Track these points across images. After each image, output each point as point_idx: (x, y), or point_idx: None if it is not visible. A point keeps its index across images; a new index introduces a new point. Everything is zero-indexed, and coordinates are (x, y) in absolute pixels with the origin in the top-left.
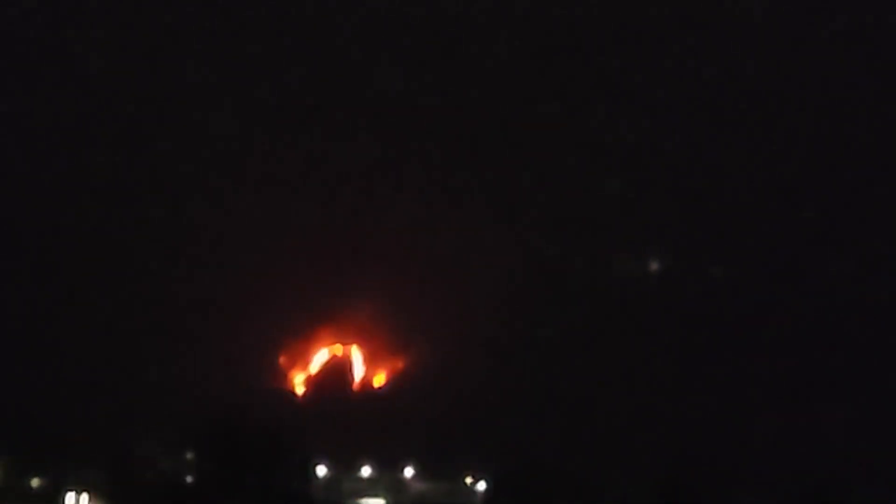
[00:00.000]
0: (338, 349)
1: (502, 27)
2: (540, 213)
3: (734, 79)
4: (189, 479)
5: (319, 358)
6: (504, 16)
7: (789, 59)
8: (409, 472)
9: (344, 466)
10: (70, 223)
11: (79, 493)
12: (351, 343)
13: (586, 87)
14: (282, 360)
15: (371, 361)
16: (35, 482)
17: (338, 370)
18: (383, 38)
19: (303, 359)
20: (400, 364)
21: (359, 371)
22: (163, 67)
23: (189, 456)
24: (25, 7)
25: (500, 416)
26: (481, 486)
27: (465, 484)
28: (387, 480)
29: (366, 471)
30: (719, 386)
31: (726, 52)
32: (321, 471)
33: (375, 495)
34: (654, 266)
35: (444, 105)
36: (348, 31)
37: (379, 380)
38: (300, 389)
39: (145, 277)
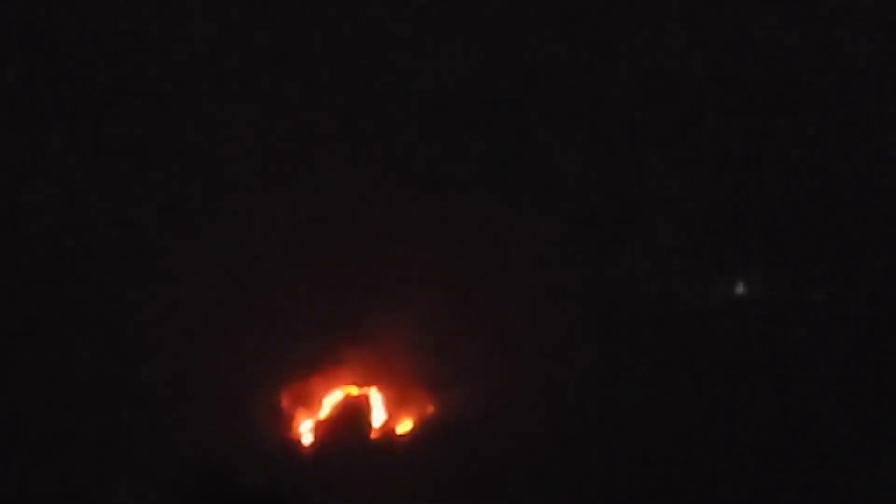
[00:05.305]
0: (353, 389)
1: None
2: (611, 231)
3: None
4: None
5: (331, 400)
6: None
7: None
8: None
9: None
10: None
11: None
12: (370, 382)
13: (683, 95)
14: (284, 402)
15: (395, 404)
16: None
17: (353, 415)
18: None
19: (310, 401)
20: (430, 408)
21: (379, 416)
22: (167, 55)
23: None
24: None
25: (553, 473)
26: None
27: None
28: None
29: None
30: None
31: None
32: None
33: None
34: (752, 292)
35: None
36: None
37: (404, 427)
38: (307, 438)
39: (115, 284)
